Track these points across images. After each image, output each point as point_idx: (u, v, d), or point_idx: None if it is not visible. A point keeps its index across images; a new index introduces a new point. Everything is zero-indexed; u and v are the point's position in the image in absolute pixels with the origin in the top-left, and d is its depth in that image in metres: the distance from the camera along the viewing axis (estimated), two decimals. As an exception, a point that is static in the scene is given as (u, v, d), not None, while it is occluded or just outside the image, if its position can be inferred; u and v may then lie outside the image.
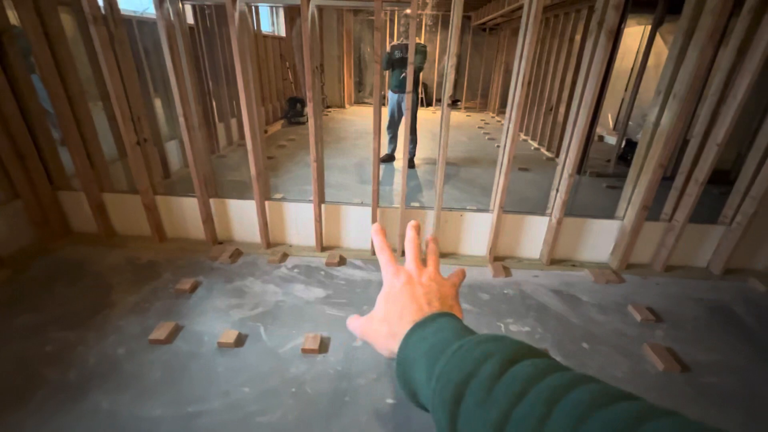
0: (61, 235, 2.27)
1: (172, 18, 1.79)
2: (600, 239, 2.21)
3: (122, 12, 2.00)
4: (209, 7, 3.78)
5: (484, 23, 7.30)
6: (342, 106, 8.10)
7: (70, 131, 2.04)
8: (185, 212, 2.26)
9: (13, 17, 1.89)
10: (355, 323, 0.44)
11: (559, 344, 1.64)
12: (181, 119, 1.95)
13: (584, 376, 0.25)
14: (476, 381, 0.27)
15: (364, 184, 3.49)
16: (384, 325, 0.39)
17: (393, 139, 4.21)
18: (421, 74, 5.24)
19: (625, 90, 5.80)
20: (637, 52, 5.60)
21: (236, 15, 1.74)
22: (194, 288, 1.89)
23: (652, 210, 2.04)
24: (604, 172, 4.01)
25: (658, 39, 4.19)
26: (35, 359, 1.45)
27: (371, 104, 8.32)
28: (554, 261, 2.24)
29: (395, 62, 3.72)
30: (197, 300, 1.82)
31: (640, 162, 2.04)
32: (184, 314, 1.72)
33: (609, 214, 2.22)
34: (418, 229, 0.46)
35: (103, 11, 1.86)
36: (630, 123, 4.19)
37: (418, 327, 0.35)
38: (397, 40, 3.88)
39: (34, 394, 1.32)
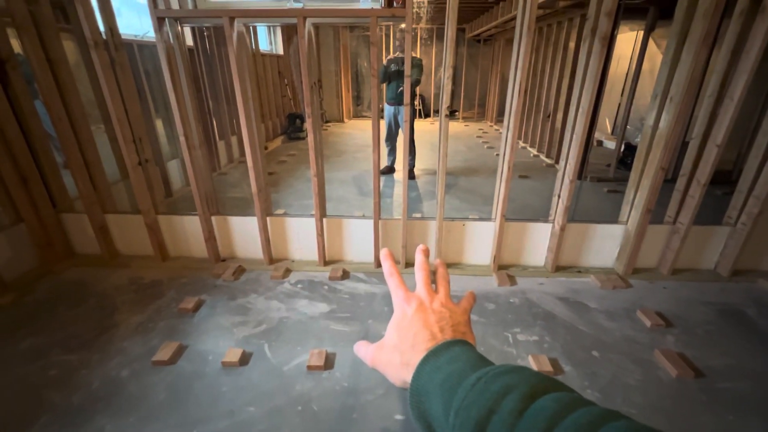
0: (64, 257, 2.27)
1: (171, 41, 1.82)
2: (604, 244, 2.19)
3: (123, 36, 2.04)
4: (208, 28, 3.85)
5: (478, 35, 7.42)
6: (341, 121, 8.18)
7: (73, 154, 2.06)
8: (187, 231, 2.26)
9: (17, 45, 1.93)
10: (364, 350, 0.42)
11: (568, 353, 1.61)
12: (182, 139, 1.97)
13: (610, 413, 0.24)
14: (497, 417, 0.26)
15: (364, 197, 3.50)
16: (396, 353, 0.38)
17: (392, 151, 4.23)
18: (417, 87, 5.30)
19: (622, 95, 5.85)
20: (631, 57, 5.66)
21: (234, 35, 1.77)
22: (198, 306, 1.88)
23: (655, 213, 2.03)
24: (604, 176, 4.01)
25: (651, 44, 4.24)
26: (39, 383, 1.44)
27: (370, 117, 8.41)
28: (559, 268, 2.22)
29: (391, 75, 3.77)
30: (201, 318, 1.81)
31: (641, 165, 2.04)
32: (188, 333, 1.71)
33: (612, 218, 2.21)
34: (427, 254, 0.46)
35: (104, 36, 1.90)
36: (628, 127, 4.21)
37: (432, 356, 0.34)
38: (393, 53, 3.93)
39: (38, 418, 1.30)
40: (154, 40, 1.79)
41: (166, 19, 1.78)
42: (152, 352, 1.57)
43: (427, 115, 8.49)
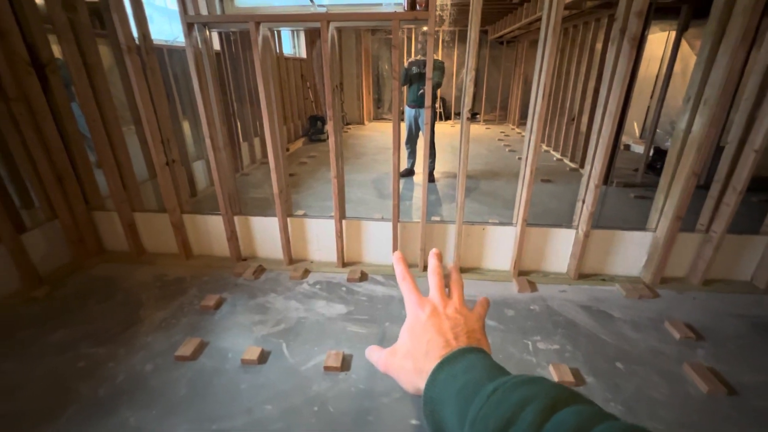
0: (94, 253, 2.37)
1: (200, 45, 1.88)
2: (631, 252, 2.11)
3: (154, 41, 2.12)
4: (234, 32, 3.96)
5: (501, 36, 7.32)
6: (361, 123, 8.23)
7: (106, 155, 2.15)
8: (210, 230, 2.32)
9: (56, 50, 2.04)
10: (376, 356, 0.42)
11: (590, 363, 1.56)
12: (208, 141, 2.02)
13: (635, 429, 0.23)
14: (515, 430, 0.25)
15: (383, 199, 3.50)
16: (409, 360, 0.37)
17: (412, 154, 4.22)
18: (438, 89, 5.27)
19: (651, 97, 5.65)
20: (662, 58, 5.46)
21: (259, 40, 1.81)
22: (219, 304, 1.92)
23: (685, 220, 1.94)
24: (631, 181, 3.88)
25: (683, 44, 4.08)
26: (69, 375, 1.50)
27: (390, 120, 8.42)
28: (582, 275, 2.15)
29: (412, 77, 3.77)
30: (222, 316, 1.85)
31: (671, 171, 1.96)
32: (209, 330, 1.75)
33: (639, 225, 2.13)
34: (441, 258, 0.45)
35: (136, 41, 1.98)
36: (658, 131, 4.06)
37: (447, 363, 0.34)
38: (414, 56, 3.93)
39: (66, 408, 1.36)
40: (183, 44, 1.85)
41: (195, 25, 1.83)
42: (175, 348, 1.62)
43: (447, 118, 8.43)
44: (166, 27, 3.81)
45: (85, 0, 2.02)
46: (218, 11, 1.89)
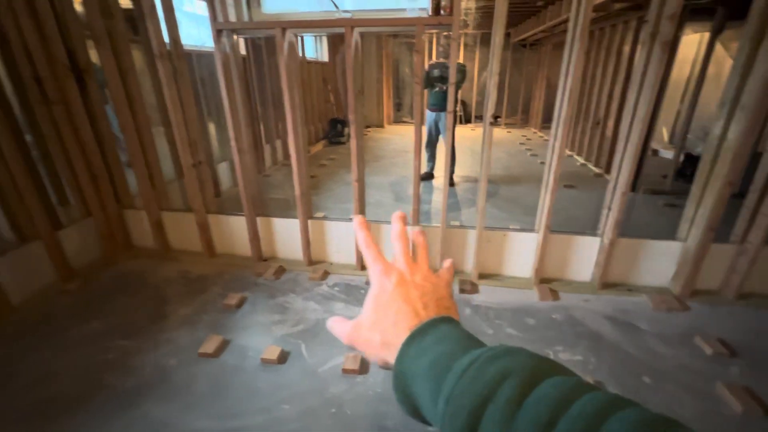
0: (123, 249, 2.47)
1: (228, 51, 1.93)
2: (659, 262, 2.04)
3: (184, 47, 2.19)
4: (259, 38, 4.05)
5: (524, 39, 7.22)
6: (381, 126, 8.26)
7: (137, 155, 2.24)
8: (233, 230, 2.38)
9: (92, 55, 2.14)
10: (340, 328, 0.38)
11: (616, 377, 1.51)
12: (233, 143, 2.07)
13: (616, 398, 0.23)
14: (493, 407, 0.24)
15: (400, 202, 3.50)
16: (375, 332, 0.35)
17: (432, 158, 4.21)
18: (459, 92, 5.24)
19: (681, 101, 5.44)
20: (694, 61, 5.26)
21: (285, 45, 1.84)
22: (241, 303, 1.96)
23: (719, 231, 1.86)
24: (660, 188, 3.74)
25: (717, 47, 3.91)
26: (99, 365, 1.56)
27: (409, 123, 8.42)
28: (607, 285, 2.09)
29: (434, 80, 3.75)
30: (243, 314, 1.89)
31: (704, 179, 1.88)
32: (230, 328, 1.79)
33: (668, 234, 2.05)
34: (405, 220, 0.42)
35: (167, 47, 2.05)
36: (688, 136, 3.91)
37: (417, 336, 0.32)
38: (436, 59, 3.92)
39: (95, 397, 1.41)
40: (211, 49, 1.90)
41: (224, 31, 1.89)
42: (197, 344, 1.66)
43: (467, 121, 8.36)
44: (193, 32, 3.94)
45: (121, 7, 2.11)
46: (245, 17, 1.94)
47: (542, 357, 0.27)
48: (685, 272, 1.95)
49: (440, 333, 0.31)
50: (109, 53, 2.05)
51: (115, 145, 2.33)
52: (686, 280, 1.95)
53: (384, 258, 0.39)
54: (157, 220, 2.39)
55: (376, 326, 0.35)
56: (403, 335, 0.32)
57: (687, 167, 3.92)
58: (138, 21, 2.42)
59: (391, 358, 0.32)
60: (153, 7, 1.88)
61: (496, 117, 8.27)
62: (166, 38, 2.03)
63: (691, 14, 3.30)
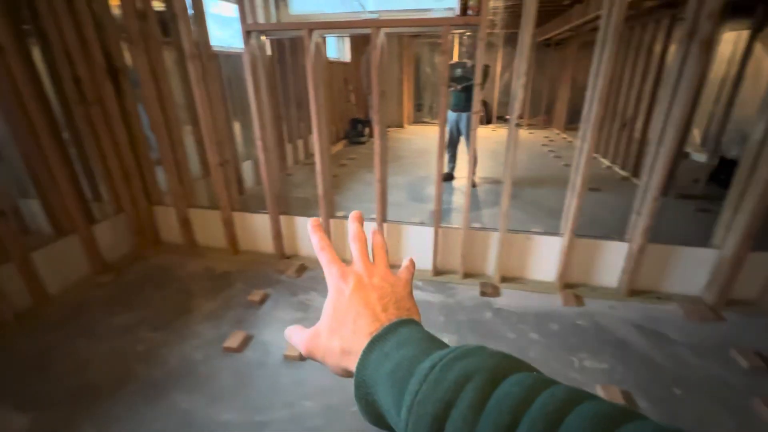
0: (153, 244, 2.55)
1: (256, 52, 1.97)
2: (691, 270, 1.96)
3: (212, 47, 2.25)
4: (285, 38, 4.11)
5: (548, 38, 7.07)
6: (401, 126, 8.25)
7: (166, 154, 2.31)
8: (257, 227, 2.42)
9: (127, 57, 2.22)
10: (297, 337, 0.36)
11: (643, 388, 1.46)
12: (259, 142, 2.11)
13: (574, 393, 0.23)
14: (456, 412, 0.24)
15: (418, 203, 3.49)
16: (334, 340, 0.33)
17: (452, 159, 4.17)
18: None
19: (715, 102, 5.21)
20: (730, 60, 5.03)
21: (312, 46, 1.87)
22: (264, 299, 2.00)
23: (757, 238, 1.78)
24: (691, 193, 3.60)
25: (756, 45, 3.73)
26: (129, 355, 1.62)
27: (429, 123, 8.38)
28: (635, 292, 2.02)
29: (456, 80, 3.72)
30: (266, 311, 1.92)
31: (743, 183, 1.80)
32: (254, 324, 1.82)
33: (701, 241, 1.97)
34: (362, 221, 0.41)
35: (198, 48, 2.11)
36: (723, 139, 3.74)
37: (377, 341, 0.30)
38: (458, 59, 3.89)
39: (125, 387, 1.47)
40: (237, 50, 1.94)
41: (253, 32, 1.92)
42: (222, 338, 1.70)
43: (489, 122, 8.23)
44: (218, 33, 4.03)
45: (154, 10, 2.18)
46: (273, 18, 1.98)
47: (502, 354, 0.27)
48: (720, 281, 1.87)
49: (401, 337, 0.30)
50: (143, 55, 2.12)
51: (147, 143, 2.41)
52: (721, 289, 1.87)
53: (340, 261, 0.38)
54: (185, 217, 2.46)
55: (335, 333, 0.34)
56: (363, 341, 0.31)
57: (721, 171, 3.76)
58: (169, 23, 2.49)
59: (352, 366, 0.31)
60: (185, 9, 1.94)
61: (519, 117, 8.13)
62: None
63: (728, 12, 3.16)
